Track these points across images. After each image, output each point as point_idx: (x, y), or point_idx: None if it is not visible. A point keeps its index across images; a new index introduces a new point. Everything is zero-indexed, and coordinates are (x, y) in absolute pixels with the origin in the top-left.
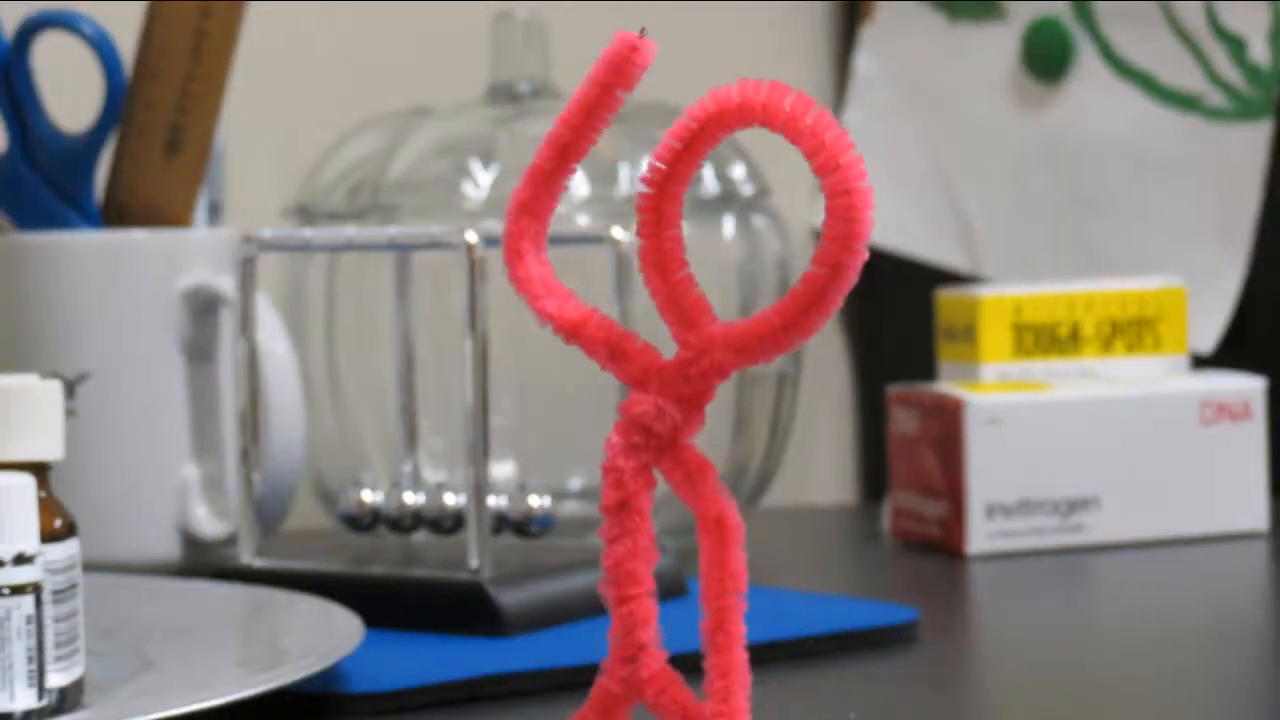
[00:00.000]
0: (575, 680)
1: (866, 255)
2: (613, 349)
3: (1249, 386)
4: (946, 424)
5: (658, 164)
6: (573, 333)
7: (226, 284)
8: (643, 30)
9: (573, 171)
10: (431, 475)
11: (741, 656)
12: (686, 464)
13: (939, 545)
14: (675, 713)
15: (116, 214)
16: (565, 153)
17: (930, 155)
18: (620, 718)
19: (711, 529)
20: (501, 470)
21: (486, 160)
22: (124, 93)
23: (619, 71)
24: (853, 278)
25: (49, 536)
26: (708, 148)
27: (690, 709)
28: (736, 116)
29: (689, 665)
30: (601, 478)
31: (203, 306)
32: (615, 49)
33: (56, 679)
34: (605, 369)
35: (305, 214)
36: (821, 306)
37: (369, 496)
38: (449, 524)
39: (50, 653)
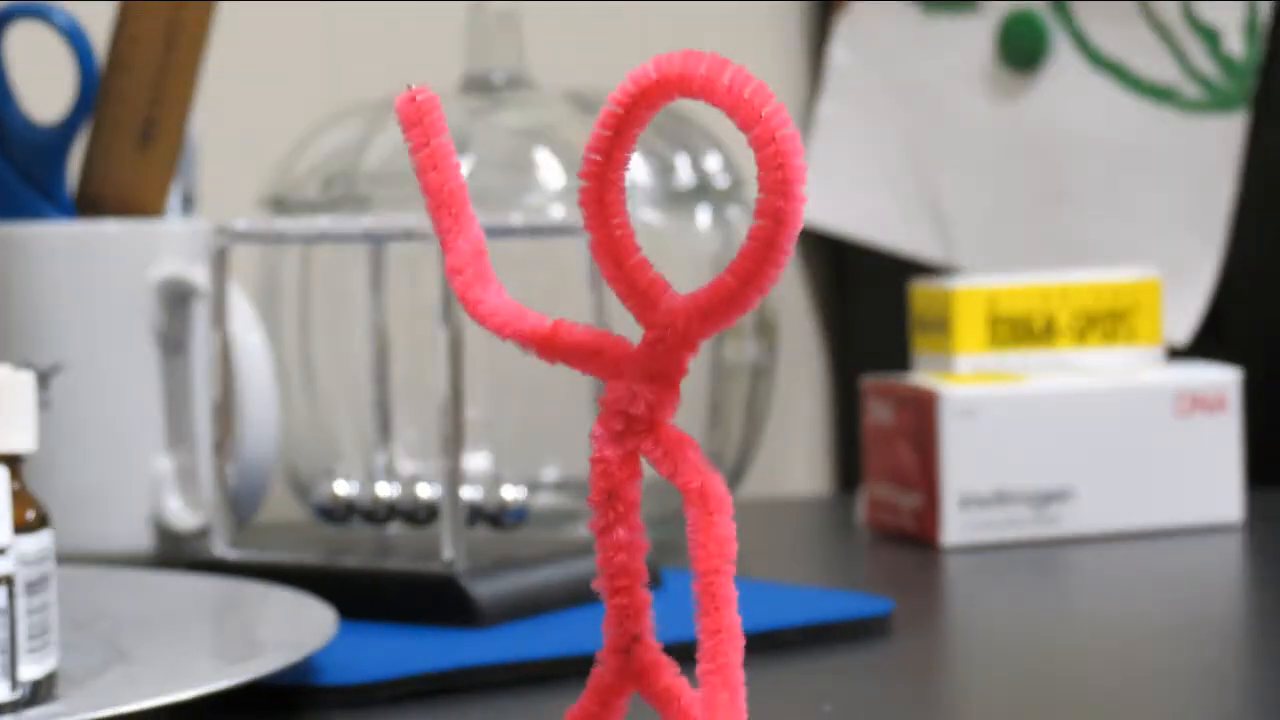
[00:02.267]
0: (550, 672)
1: (805, 199)
2: (586, 349)
3: (1224, 378)
4: (921, 416)
5: (593, 155)
6: (547, 347)
7: (200, 275)
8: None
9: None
10: (406, 467)
11: (733, 619)
12: (666, 441)
13: (914, 537)
14: (670, 701)
15: (89, 205)
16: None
17: (905, 146)
18: (617, 707)
19: (695, 500)
20: (476, 462)
21: (461, 151)
22: (97, 83)
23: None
24: (796, 223)
25: (21, 528)
26: (638, 129)
27: (685, 697)
28: (659, 92)
29: (675, 655)
30: (589, 471)
31: (176, 298)
32: None
33: (29, 671)
34: (584, 371)
35: (279, 205)
36: (772, 257)
37: (343, 488)
38: (423, 516)
39: (23, 645)
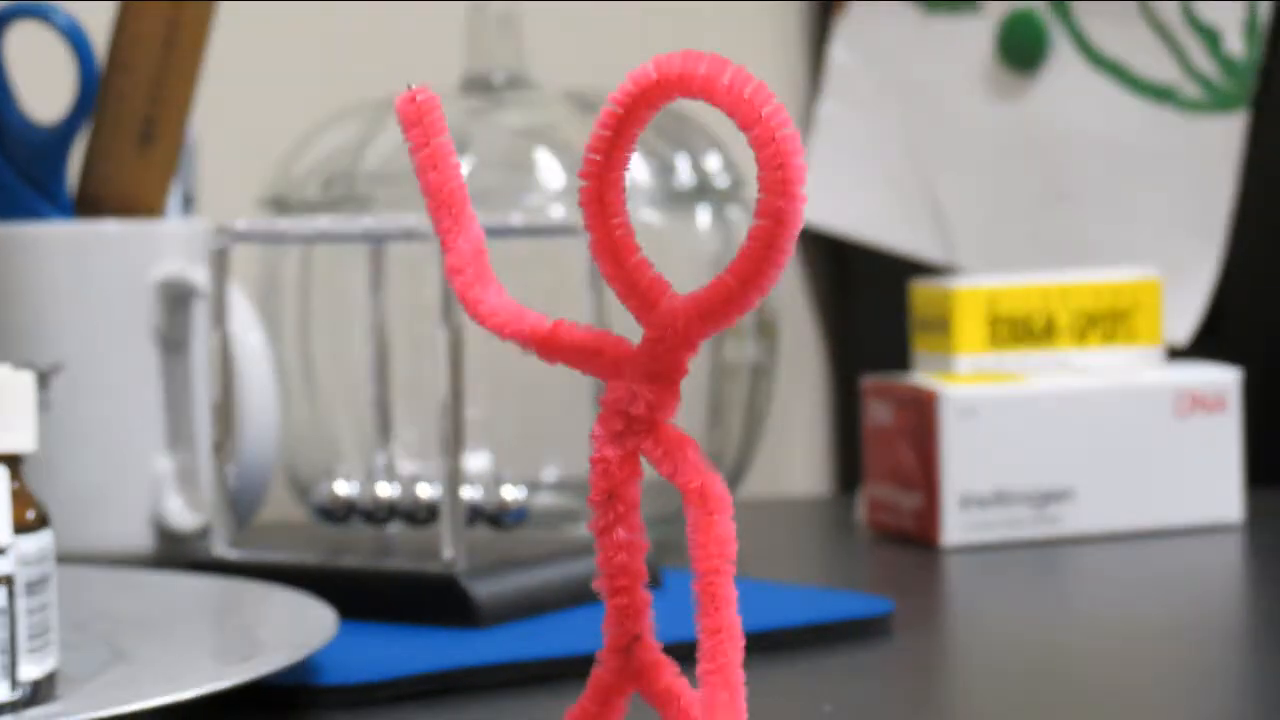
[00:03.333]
0: (549, 672)
1: (805, 199)
2: (586, 349)
3: (1224, 378)
4: (921, 416)
5: (592, 155)
6: (547, 347)
7: (200, 275)
8: None
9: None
10: (406, 467)
11: (733, 619)
12: (666, 441)
13: (914, 537)
14: (670, 701)
15: (89, 205)
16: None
17: (905, 146)
18: (617, 707)
19: (695, 500)
20: (476, 462)
21: (461, 151)
22: (96, 83)
23: None
24: (796, 223)
25: (21, 528)
26: (638, 129)
27: (685, 697)
28: (659, 92)
29: (675, 655)
30: (589, 471)
31: (176, 298)
32: None
33: (29, 671)
34: (584, 371)
35: (279, 205)
36: (773, 258)
37: (343, 488)
38: (423, 516)
39: (23, 645)
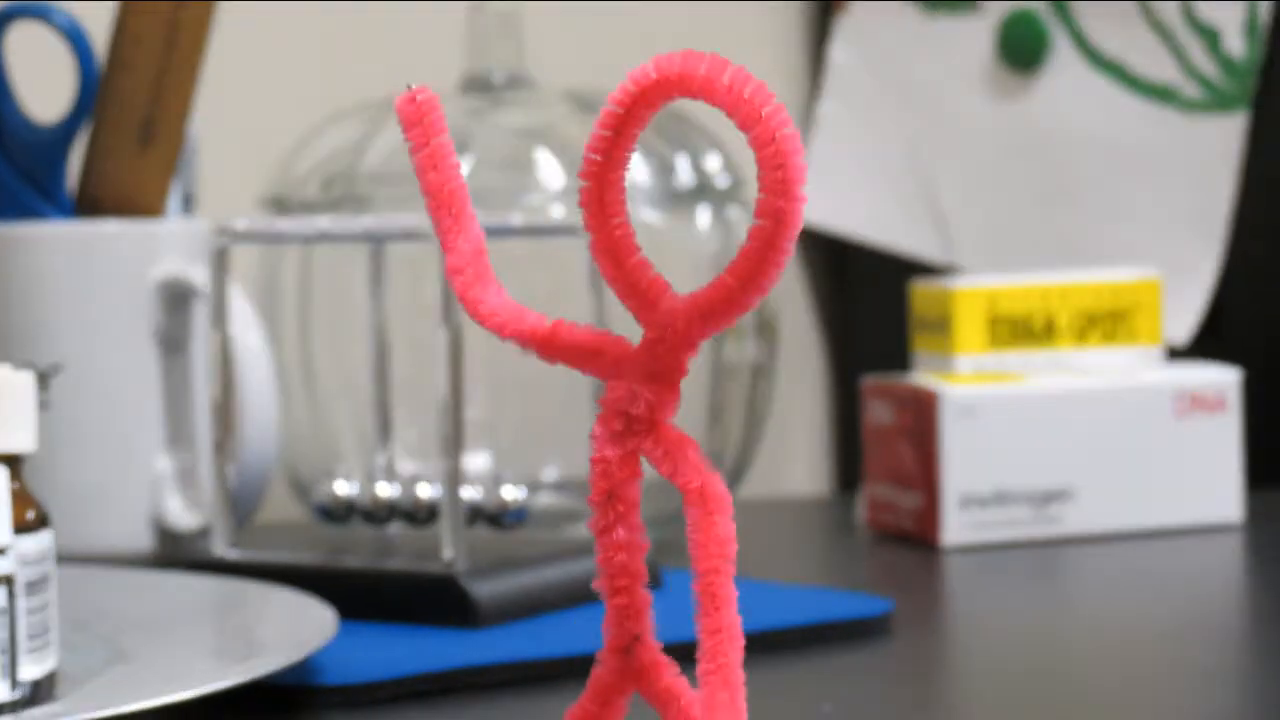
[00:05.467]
0: (549, 672)
1: (805, 199)
2: (586, 349)
3: (1224, 378)
4: (921, 416)
5: (592, 155)
6: (547, 347)
7: (199, 275)
8: None
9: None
10: (406, 467)
11: (733, 618)
12: (666, 441)
13: (914, 537)
14: (670, 701)
15: (89, 205)
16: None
17: (905, 146)
18: (618, 707)
19: (695, 500)
20: (476, 462)
21: (461, 151)
22: (97, 83)
23: None
24: (796, 223)
25: (22, 528)
26: (639, 129)
27: (685, 697)
28: (659, 92)
29: (675, 655)
30: (589, 471)
31: (176, 298)
32: None
33: (29, 671)
34: (584, 371)
35: (279, 205)
36: (773, 258)
37: (343, 488)
38: (423, 516)
39: (23, 645)
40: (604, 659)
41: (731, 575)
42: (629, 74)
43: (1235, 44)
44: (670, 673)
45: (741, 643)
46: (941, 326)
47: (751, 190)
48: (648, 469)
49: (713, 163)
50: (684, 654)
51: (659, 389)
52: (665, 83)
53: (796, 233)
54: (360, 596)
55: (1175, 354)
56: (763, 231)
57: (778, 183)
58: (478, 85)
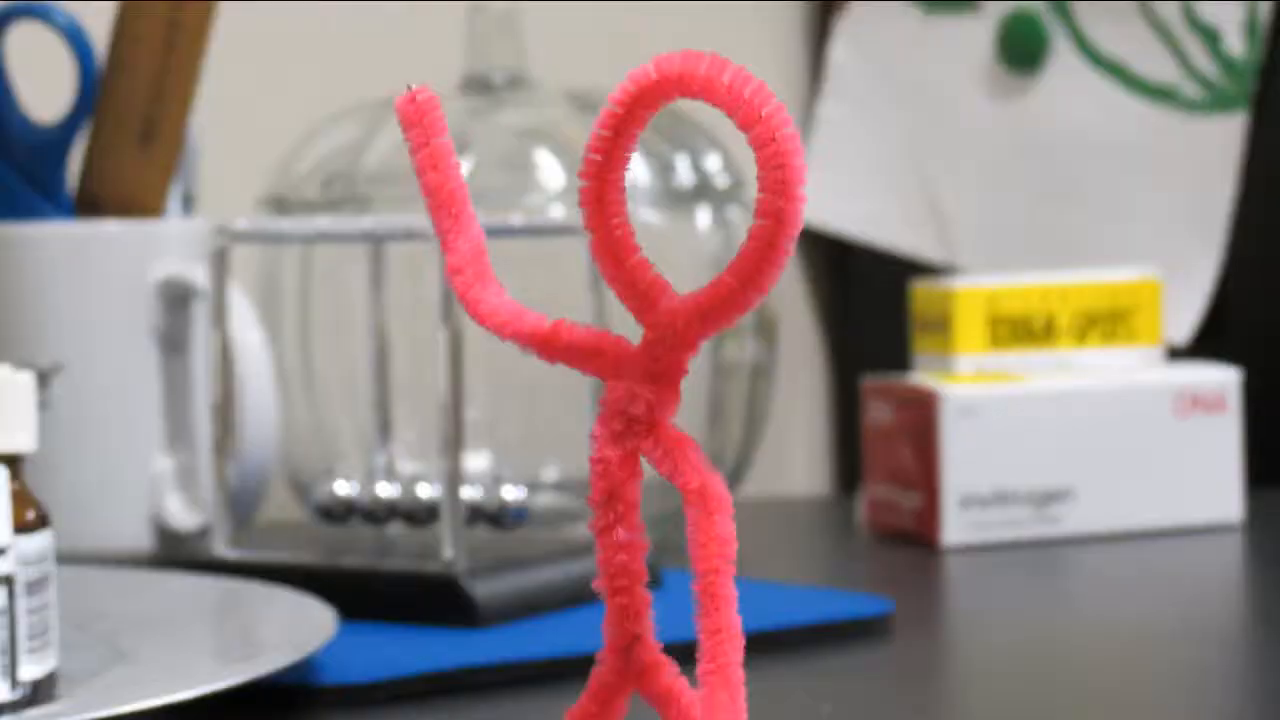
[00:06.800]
0: (549, 672)
1: (805, 199)
2: (586, 349)
3: (1224, 378)
4: (921, 416)
5: (592, 155)
6: (547, 347)
7: (200, 275)
8: None
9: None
10: (406, 467)
11: (733, 619)
12: (666, 441)
13: (914, 537)
14: (670, 701)
15: (89, 204)
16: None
17: (905, 146)
18: (618, 706)
19: (695, 500)
20: (476, 462)
21: (461, 151)
22: (97, 83)
23: None
24: (796, 223)
25: (21, 528)
26: (639, 129)
27: (685, 697)
28: (659, 92)
29: (675, 655)
30: (589, 471)
31: (176, 297)
32: None
33: (29, 671)
34: (584, 371)
35: (279, 205)
36: (772, 258)
37: (343, 488)
38: (423, 516)
39: (23, 645)
40: (604, 659)
41: (731, 575)
42: (629, 74)
43: (1235, 44)
44: (670, 673)
45: (741, 643)
46: (941, 326)
47: (751, 190)
48: (648, 469)
49: (713, 163)
50: (684, 654)
51: (659, 389)
52: (665, 83)
53: (796, 233)
54: (360, 596)
55: (1175, 354)
56: (763, 231)
57: (778, 183)
58: (478, 85)
